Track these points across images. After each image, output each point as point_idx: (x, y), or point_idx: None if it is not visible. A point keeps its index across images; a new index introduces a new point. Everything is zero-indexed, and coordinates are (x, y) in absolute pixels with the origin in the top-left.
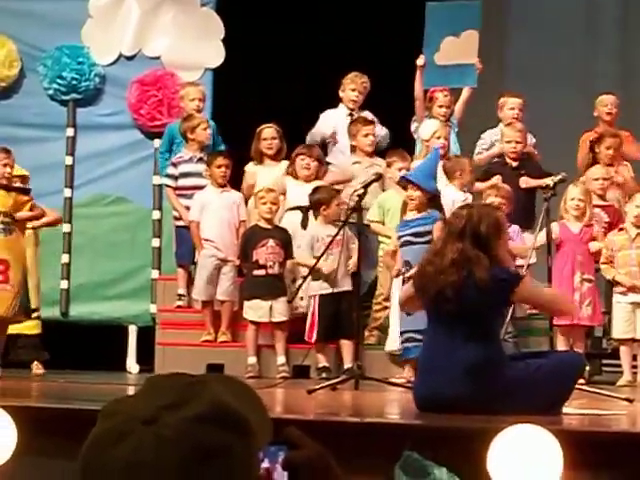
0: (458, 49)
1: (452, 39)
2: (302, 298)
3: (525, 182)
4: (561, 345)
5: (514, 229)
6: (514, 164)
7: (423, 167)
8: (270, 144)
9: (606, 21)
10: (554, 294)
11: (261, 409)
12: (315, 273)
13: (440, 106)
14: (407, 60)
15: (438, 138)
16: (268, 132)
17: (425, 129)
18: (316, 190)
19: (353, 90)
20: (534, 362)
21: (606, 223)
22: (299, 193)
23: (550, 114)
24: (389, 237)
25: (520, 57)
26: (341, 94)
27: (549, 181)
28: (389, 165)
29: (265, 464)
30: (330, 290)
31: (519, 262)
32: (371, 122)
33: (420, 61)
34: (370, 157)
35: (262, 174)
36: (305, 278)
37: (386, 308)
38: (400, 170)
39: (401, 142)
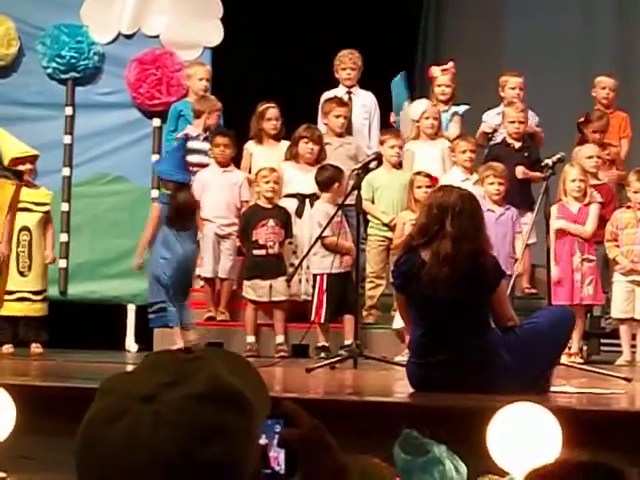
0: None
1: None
2: (291, 283)
3: (522, 173)
4: None
5: (512, 213)
6: (517, 145)
7: (170, 159)
8: (275, 125)
9: (603, 5)
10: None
11: (259, 384)
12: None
13: (439, 85)
14: (406, 38)
15: (427, 119)
16: (273, 112)
17: (414, 109)
18: (324, 169)
19: (344, 69)
20: (527, 323)
21: (600, 203)
22: (300, 180)
23: (548, 96)
24: (377, 218)
25: (518, 42)
26: (336, 75)
27: (548, 161)
28: (382, 143)
29: (262, 440)
30: (339, 270)
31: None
32: (345, 104)
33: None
34: (340, 137)
35: (261, 154)
36: (303, 258)
37: (378, 286)
38: (393, 148)
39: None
